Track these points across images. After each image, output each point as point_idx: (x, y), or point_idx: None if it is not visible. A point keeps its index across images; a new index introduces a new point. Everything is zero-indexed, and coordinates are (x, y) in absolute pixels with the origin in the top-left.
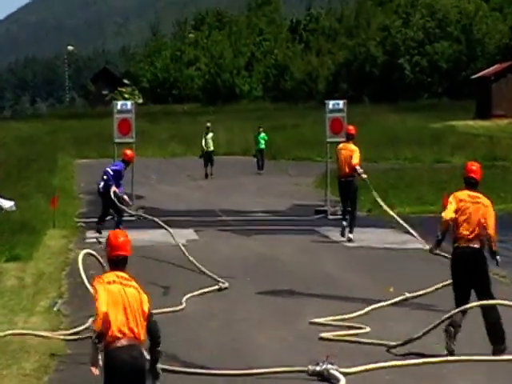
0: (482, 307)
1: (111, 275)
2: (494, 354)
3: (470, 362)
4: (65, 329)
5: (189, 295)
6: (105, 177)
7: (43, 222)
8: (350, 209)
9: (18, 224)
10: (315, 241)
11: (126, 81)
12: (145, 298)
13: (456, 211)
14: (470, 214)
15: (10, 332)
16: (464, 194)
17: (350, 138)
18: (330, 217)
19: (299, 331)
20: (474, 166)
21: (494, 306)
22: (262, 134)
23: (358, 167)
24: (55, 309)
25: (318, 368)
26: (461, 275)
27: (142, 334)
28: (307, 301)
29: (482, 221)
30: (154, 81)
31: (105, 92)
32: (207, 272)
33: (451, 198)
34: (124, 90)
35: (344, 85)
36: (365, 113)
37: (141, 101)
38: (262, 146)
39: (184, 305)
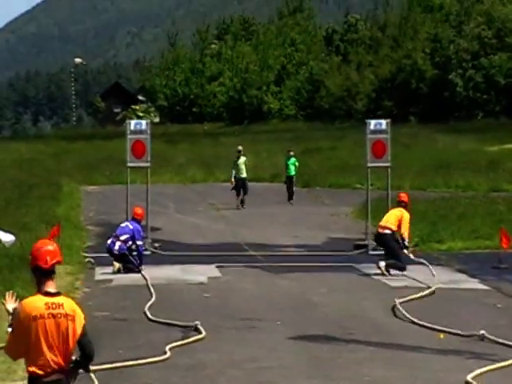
0: None
1: (40, 304)
2: None
3: None
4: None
5: (171, 345)
6: (123, 237)
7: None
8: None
9: (18, 259)
10: (354, 279)
11: (140, 97)
12: (79, 316)
13: None
14: None
15: None
16: None
17: (401, 205)
18: (372, 252)
19: (335, 380)
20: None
21: None
22: (293, 159)
23: (406, 240)
24: None
25: None
26: None
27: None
28: (344, 347)
29: None
30: (173, 97)
31: (116, 110)
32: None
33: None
34: (138, 107)
35: (388, 102)
36: (411, 134)
37: (157, 120)
38: (292, 173)
39: (168, 354)
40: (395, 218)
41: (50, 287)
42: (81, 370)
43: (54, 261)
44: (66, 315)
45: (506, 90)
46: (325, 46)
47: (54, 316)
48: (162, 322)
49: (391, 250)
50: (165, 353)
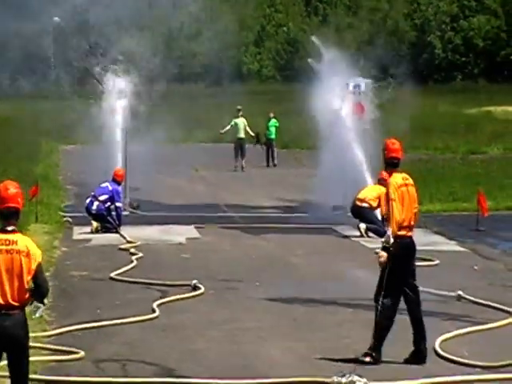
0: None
1: None
2: None
3: None
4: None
5: (158, 302)
6: (102, 197)
7: (24, 216)
8: None
9: None
10: (333, 241)
11: (120, 57)
12: (34, 254)
13: (401, 202)
14: (409, 199)
15: None
16: (398, 177)
17: (381, 183)
18: (350, 214)
19: (317, 342)
20: (396, 145)
21: None
22: (273, 121)
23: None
24: (37, 315)
25: (343, 380)
26: (405, 268)
27: (22, 298)
28: (322, 309)
29: (415, 206)
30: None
31: (96, 69)
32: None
33: (393, 190)
34: (118, 67)
35: (366, 64)
36: (390, 96)
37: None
38: (272, 136)
39: (158, 313)
40: (376, 195)
41: (9, 226)
42: None
43: (8, 205)
44: (19, 251)
45: (485, 53)
46: (304, 7)
47: (6, 252)
48: (160, 283)
49: (372, 222)
50: (153, 311)
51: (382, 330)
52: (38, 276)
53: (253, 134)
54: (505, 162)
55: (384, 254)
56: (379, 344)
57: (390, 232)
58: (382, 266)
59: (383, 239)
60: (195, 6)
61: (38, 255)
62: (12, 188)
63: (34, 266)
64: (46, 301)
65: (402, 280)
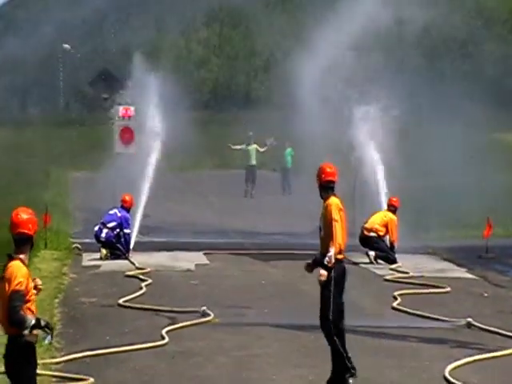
0: None
1: None
2: None
3: None
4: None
5: (167, 328)
6: (111, 224)
7: (34, 242)
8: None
9: (6, 244)
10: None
11: (129, 83)
12: (9, 280)
13: (342, 225)
14: (344, 224)
15: None
16: (337, 200)
17: (390, 209)
18: (359, 242)
19: (323, 370)
20: (332, 168)
21: None
22: (289, 150)
23: (395, 245)
24: (46, 342)
25: None
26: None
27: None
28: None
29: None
30: None
31: (105, 96)
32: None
33: (336, 212)
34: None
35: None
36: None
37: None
38: (288, 165)
39: (167, 339)
40: (382, 222)
41: (20, 254)
42: None
43: (19, 231)
44: (3, 278)
45: None
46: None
47: (1, 279)
48: (167, 309)
49: (380, 250)
50: (162, 338)
51: (343, 345)
52: (9, 303)
53: (262, 149)
54: None
55: (324, 273)
56: (348, 357)
57: (332, 252)
58: (321, 284)
59: (326, 259)
60: (204, 33)
61: (14, 283)
62: (24, 214)
63: (8, 293)
64: (46, 332)
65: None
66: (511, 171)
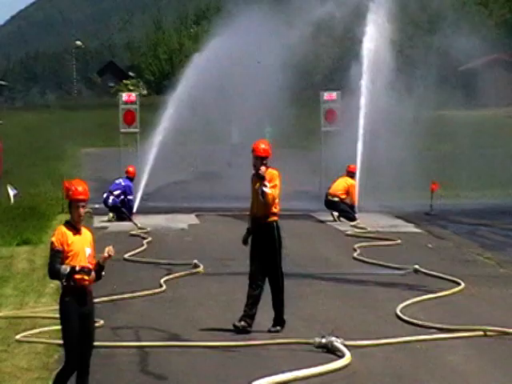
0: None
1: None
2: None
3: None
4: None
5: (165, 278)
6: (116, 192)
7: (52, 208)
8: None
9: (28, 210)
10: (311, 225)
11: (130, 73)
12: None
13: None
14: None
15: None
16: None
17: (349, 175)
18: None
19: (298, 309)
20: (264, 144)
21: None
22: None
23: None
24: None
25: (323, 340)
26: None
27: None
28: (302, 281)
29: None
30: (158, 73)
31: (111, 84)
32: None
33: (278, 179)
34: (129, 82)
35: None
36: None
37: (145, 92)
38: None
39: (164, 287)
40: (344, 189)
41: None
42: None
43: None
44: None
45: None
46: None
47: None
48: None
49: (342, 211)
50: (161, 286)
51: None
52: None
53: None
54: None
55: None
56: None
57: (276, 210)
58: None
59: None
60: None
61: (50, 243)
62: (81, 185)
63: None
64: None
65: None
66: (453, 142)
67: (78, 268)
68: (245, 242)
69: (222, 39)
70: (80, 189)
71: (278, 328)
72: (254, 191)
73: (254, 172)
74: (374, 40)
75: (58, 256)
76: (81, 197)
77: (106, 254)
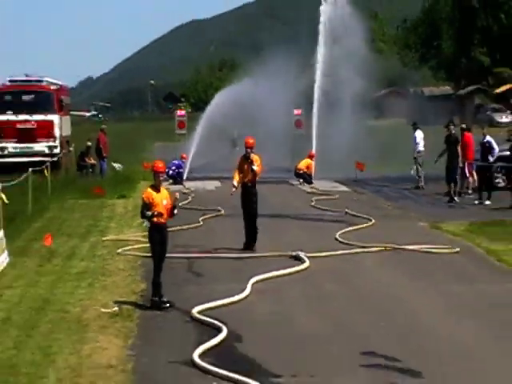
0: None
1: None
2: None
3: None
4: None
5: (202, 218)
6: (173, 167)
7: (137, 176)
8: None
9: (123, 177)
10: (286, 188)
11: (182, 99)
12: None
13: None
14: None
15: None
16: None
17: (310, 157)
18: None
19: (275, 236)
20: (251, 139)
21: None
22: None
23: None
24: (144, 225)
25: (293, 253)
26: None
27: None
28: (278, 219)
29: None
30: (199, 98)
31: (170, 106)
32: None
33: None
34: (181, 104)
35: None
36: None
37: (190, 110)
38: None
39: (201, 223)
40: (305, 165)
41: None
42: None
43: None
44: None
45: None
46: None
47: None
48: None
49: (305, 179)
50: (199, 222)
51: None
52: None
53: None
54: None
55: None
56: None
57: (257, 178)
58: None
59: (234, 183)
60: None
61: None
62: (160, 164)
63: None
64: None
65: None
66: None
67: (156, 213)
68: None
69: (231, 87)
70: (160, 165)
71: (253, 244)
72: (243, 167)
73: (243, 154)
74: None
75: (146, 206)
76: (160, 170)
77: (174, 197)
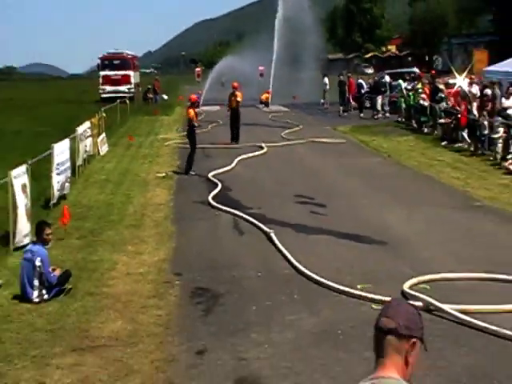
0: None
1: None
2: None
3: None
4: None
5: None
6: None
7: (175, 104)
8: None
9: (168, 104)
10: (256, 110)
11: (199, 62)
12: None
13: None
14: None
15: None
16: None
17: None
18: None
19: (250, 135)
20: (194, 95)
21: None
22: None
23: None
24: (176, 129)
25: (258, 144)
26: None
27: None
28: (248, 127)
29: None
30: (208, 62)
31: (192, 65)
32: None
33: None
34: (198, 64)
35: None
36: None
37: (203, 68)
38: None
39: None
40: (265, 96)
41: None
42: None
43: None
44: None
45: None
46: None
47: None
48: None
49: (266, 104)
50: (207, 128)
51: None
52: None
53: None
54: None
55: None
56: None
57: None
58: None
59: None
60: None
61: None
62: (193, 95)
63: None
64: None
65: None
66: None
67: (196, 124)
68: (228, 110)
69: (227, 57)
70: (193, 96)
71: (237, 141)
72: (231, 99)
73: (231, 92)
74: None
75: (191, 120)
76: (194, 99)
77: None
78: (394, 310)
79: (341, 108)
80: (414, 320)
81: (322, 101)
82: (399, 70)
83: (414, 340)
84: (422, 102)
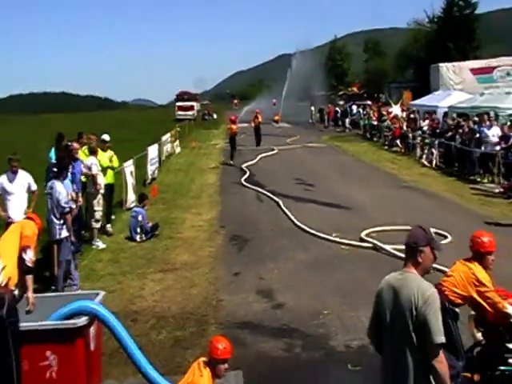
0: None
1: None
2: None
3: None
4: None
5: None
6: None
7: (222, 122)
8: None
9: (217, 122)
10: (270, 126)
11: (235, 96)
12: None
13: None
14: None
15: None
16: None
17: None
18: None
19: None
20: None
21: None
22: None
23: None
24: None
25: (270, 147)
26: None
27: None
28: (267, 136)
29: None
30: (242, 96)
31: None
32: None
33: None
34: (235, 98)
35: None
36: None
37: (239, 101)
38: None
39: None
40: (276, 117)
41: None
42: None
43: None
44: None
45: None
46: None
47: None
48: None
49: (276, 122)
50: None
51: None
52: None
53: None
54: None
55: None
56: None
57: (252, 123)
58: None
59: (252, 124)
60: None
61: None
62: (232, 116)
63: None
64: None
65: None
66: None
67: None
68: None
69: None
70: (233, 117)
71: (259, 146)
72: (255, 119)
73: (254, 115)
74: None
75: (233, 131)
76: (235, 119)
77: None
78: (411, 232)
79: (322, 125)
80: (419, 237)
81: (310, 120)
82: (359, 102)
83: (420, 248)
84: (372, 122)
